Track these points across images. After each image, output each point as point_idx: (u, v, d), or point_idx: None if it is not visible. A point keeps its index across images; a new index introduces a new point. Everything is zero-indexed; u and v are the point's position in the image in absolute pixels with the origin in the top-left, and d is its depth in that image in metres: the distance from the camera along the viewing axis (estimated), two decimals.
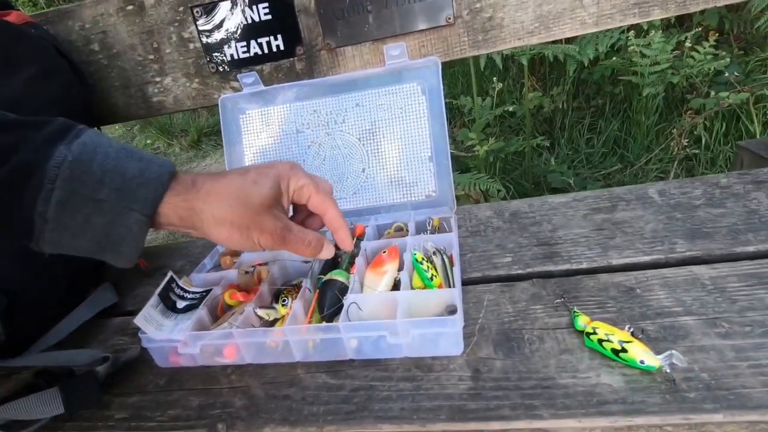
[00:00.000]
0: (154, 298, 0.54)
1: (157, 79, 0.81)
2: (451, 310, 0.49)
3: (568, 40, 1.86)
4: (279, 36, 0.74)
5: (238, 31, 0.75)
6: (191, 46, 0.78)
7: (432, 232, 0.64)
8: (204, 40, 0.76)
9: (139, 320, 0.51)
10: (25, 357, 0.56)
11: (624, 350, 0.42)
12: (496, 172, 1.79)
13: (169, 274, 0.57)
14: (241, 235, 0.40)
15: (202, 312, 0.55)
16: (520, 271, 0.59)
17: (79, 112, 0.74)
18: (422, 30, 0.70)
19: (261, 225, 0.40)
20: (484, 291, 0.56)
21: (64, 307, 0.66)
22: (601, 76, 1.91)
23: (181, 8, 0.75)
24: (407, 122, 0.72)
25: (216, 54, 0.77)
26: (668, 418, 0.38)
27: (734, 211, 0.61)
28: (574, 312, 0.49)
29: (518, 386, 0.43)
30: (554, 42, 1.84)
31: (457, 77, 2.27)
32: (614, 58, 1.81)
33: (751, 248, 0.54)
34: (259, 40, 0.75)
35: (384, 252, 0.58)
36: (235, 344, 0.52)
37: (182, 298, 0.57)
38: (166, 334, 0.52)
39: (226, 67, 0.78)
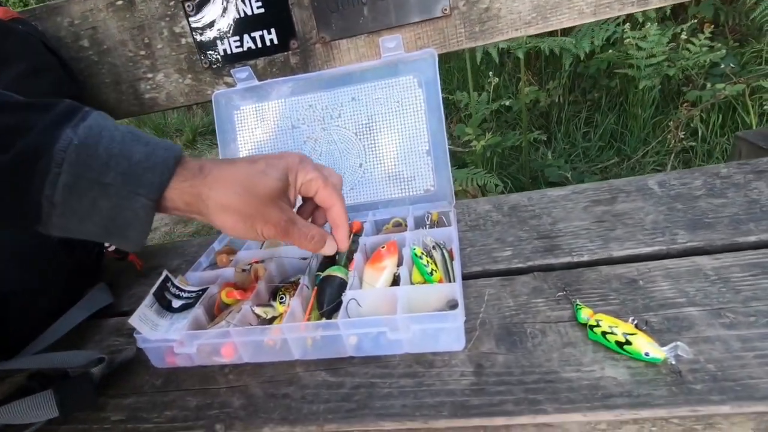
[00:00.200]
0: (149, 298, 0.53)
1: (149, 75, 0.79)
2: (452, 305, 0.48)
3: (564, 33, 1.85)
4: (272, 30, 0.73)
5: (231, 25, 0.74)
6: (183, 41, 0.76)
7: (431, 227, 0.64)
8: (196, 34, 0.75)
9: (134, 320, 0.50)
10: (18, 359, 0.55)
11: (628, 342, 0.41)
12: (493, 167, 1.79)
13: (164, 273, 0.56)
14: (245, 224, 0.40)
15: (198, 311, 0.54)
16: (520, 265, 0.58)
17: None
18: (418, 22, 0.69)
19: (266, 216, 0.40)
20: (485, 285, 0.56)
21: (58, 308, 0.65)
22: (597, 70, 1.91)
23: (172, 2, 0.74)
24: (404, 116, 0.71)
25: (208, 49, 0.76)
26: (675, 410, 0.37)
27: (735, 201, 0.60)
28: (577, 305, 0.48)
29: (521, 381, 0.43)
30: (551, 34, 1.83)
31: (453, 72, 2.26)
32: (610, 51, 1.81)
33: (753, 238, 0.53)
34: (253, 34, 0.74)
35: (383, 247, 0.57)
36: (232, 343, 0.51)
37: (178, 297, 0.56)
38: (162, 334, 0.51)
39: (219, 62, 0.76)
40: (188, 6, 0.73)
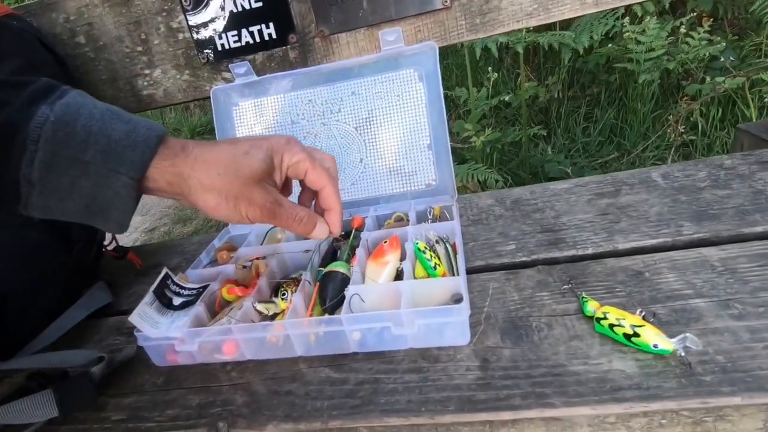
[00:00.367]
0: (149, 296, 0.52)
1: (146, 71, 0.79)
2: (457, 299, 0.48)
3: (563, 27, 1.84)
4: (271, 24, 0.72)
5: (229, 20, 0.73)
6: (180, 36, 0.75)
7: (433, 221, 0.63)
8: (193, 29, 0.74)
9: (134, 318, 0.49)
10: (17, 359, 0.54)
11: (636, 335, 0.41)
12: (493, 163, 1.78)
13: (164, 270, 0.55)
14: (228, 205, 0.39)
15: (199, 308, 0.54)
16: (524, 259, 0.57)
17: None
18: (418, 14, 0.68)
19: (250, 197, 0.39)
20: (489, 279, 0.55)
21: (57, 307, 0.64)
22: (595, 65, 1.90)
23: None
24: (405, 110, 0.70)
25: (206, 44, 0.75)
26: (685, 402, 0.36)
27: (740, 192, 0.60)
28: (583, 298, 0.47)
29: (528, 375, 0.42)
30: (549, 28, 1.82)
31: (452, 69, 2.25)
32: (609, 46, 1.80)
33: (759, 228, 0.53)
34: (251, 29, 0.73)
35: (385, 242, 0.56)
36: (234, 340, 0.50)
37: (178, 294, 0.55)
38: (163, 332, 0.51)
39: (217, 57, 0.75)
40: (185, 0, 0.72)
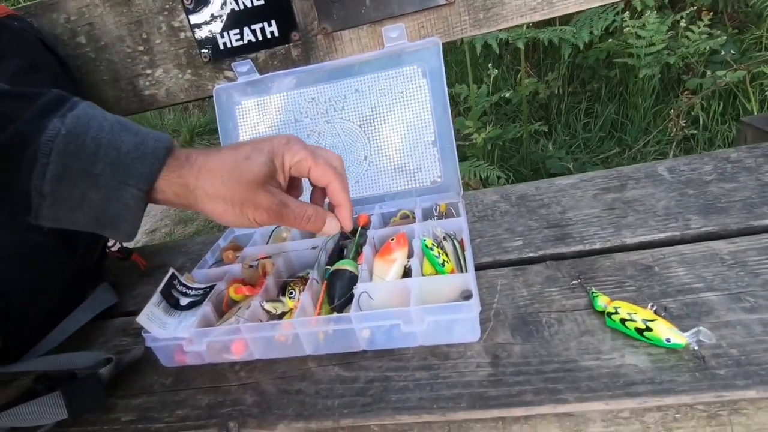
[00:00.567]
0: (156, 296, 0.52)
1: (148, 71, 0.78)
2: (467, 295, 0.47)
3: (563, 23, 1.84)
4: (273, 22, 0.72)
5: (231, 18, 0.73)
6: (182, 35, 0.75)
7: (439, 218, 0.63)
8: (195, 28, 0.74)
9: (142, 319, 0.49)
10: (24, 362, 0.54)
11: (649, 329, 0.40)
12: (494, 159, 1.78)
13: (171, 270, 0.55)
14: (235, 211, 0.39)
15: (206, 308, 0.53)
16: (531, 254, 0.57)
17: None
18: (421, 10, 0.68)
19: (255, 201, 0.40)
20: (497, 275, 0.55)
21: (59, 308, 0.64)
22: (595, 60, 1.90)
23: None
24: (409, 107, 0.70)
25: (208, 43, 0.75)
26: (699, 396, 0.36)
27: (747, 184, 0.59)
28: (593, 293, 0.47)
29: (540, 370, 0.42)
30: (549, 23, 1.82)
31: (451, 66, 2.25)
32: (609, 41, 1.79)
33: None
34: (253, 27, 0.73)
35: (392, 239, 0.56)
36: (243, 340, 0.50)
37: (185, 294, 0.55)
38: (171, 333, 0.50)
39: (219, 56, 0.75)
40: None
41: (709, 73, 1.62)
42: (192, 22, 0.73)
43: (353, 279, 0.52)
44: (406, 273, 0.54)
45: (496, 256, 0.58)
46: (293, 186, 0.46)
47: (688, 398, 0.37)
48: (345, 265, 0.54)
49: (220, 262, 0.65)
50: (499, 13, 0.67)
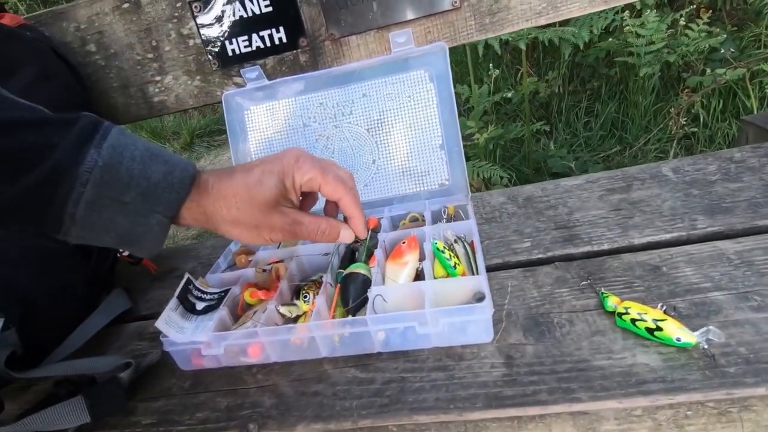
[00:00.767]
0: (173, 301, 0.53)
1: (157, 78, 0.79)
2: (479, 297, 0.48)
3: (563, 22, 1.85)
4: (281, 28, 0.73)
5: (239, 25, 0.73)
6: (191, 42, 0.76)
7: (448, 221, 0.64)
8: (204, 35, 0.75)
9: (160, 324, 0.50)
10: (45, 367, 0.54)
11: (659, 329, 0.41)
12: (496, 159, 1.79)
13: (186, 275, 0.56)
14: (251, 234, 0.42)
15: (222, 312, 0.54)
16: (540, 256, 0.58)
17: None
18: (428, 15, 0.69)
19: (270, 223, 0.42)
20: (507, 277, 0.56)
21: (74, 314, 0.64)
22: (595, 59, 1.91)
23: (179, 3, 0.74)
24: (416, 111, 0.71)
25: (217, 49, 0.75)
26: (710, 394, 0.37)
27: (752, 184, 0.60)
28: (603, 293, 0.48)
29: (553, 370, 0.43)
30: (551, 24, 1.83)
31: (452, 66, 2.25)
32: (610, 40, 1.80)
33: None
34: (261, 33, 0.74)
35: (403, 243, 0.57)
36: (260, 343, 0.51)
37: (201, 299, 0.56)
38: (189, 337, 0.51)
39: (228, 62, 0.76)
40: (195, 6, 0.73)
41: (708, 71, 1.63)
42: (201, 30, 0.74)
43: (366, 282, 0.53)
44: (418, 276, 0.55)
45: (506, 258, 0.59)
46: (308, 197, 0.48)
47: (699, 396, 0.38)
48: (358, 268, 0.55)
49: (233, 266, 0.66)
50: (505, 17, 0.68)
